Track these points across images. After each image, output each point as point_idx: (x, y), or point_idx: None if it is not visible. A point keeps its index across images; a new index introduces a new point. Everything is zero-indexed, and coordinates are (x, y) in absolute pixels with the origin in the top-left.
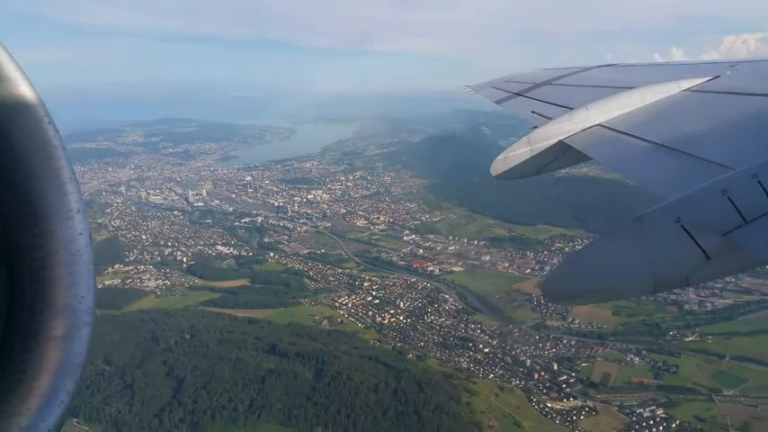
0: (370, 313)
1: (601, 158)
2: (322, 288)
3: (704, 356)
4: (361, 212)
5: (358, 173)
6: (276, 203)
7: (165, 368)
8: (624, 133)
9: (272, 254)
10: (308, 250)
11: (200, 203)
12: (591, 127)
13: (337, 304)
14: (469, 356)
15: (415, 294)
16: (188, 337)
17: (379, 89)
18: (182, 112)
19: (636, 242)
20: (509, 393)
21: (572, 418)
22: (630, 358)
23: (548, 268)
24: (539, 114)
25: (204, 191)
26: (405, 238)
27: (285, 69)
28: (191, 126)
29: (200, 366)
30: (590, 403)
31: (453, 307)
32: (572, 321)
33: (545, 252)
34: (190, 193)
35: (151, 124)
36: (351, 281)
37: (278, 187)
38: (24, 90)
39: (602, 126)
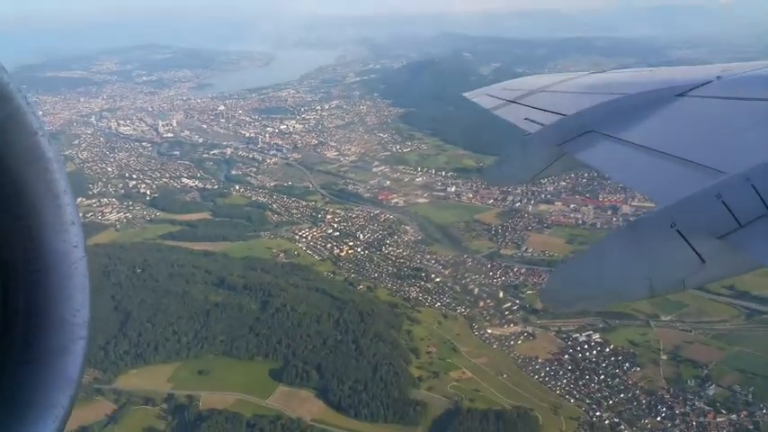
0: (329, 246)
1: (595, 164)
2: (284, 221)
3: None
4: (333, 143)
5: (334, 102)
6: (247, 134)
7: (113, 302)
8: (618, 139)
9: (237, 186)
10: (275, 183)
11: (169, 134)
12: (585, 133)
13: (297, 237)
14: (420, 286)
15: (377, 226)
16: (139, 271)
17: (365, 11)
18: (159, 37)
19: (632, 247)
20: (452, 321)
21: (509, 343)
22: None
23: (510, 198)
24: (533, 121)
25: (175, 121)
26: (374, 169)
27: None
28: (167, 53)
29: (147, 300)
30: (529, 329)
31: (412, 238)
32: (525, 250)
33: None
34: (160, 123)
35: (127, 51)
36: (314, 213)
37: (251, 117)
38: (17, 103)
39: (596, 132)
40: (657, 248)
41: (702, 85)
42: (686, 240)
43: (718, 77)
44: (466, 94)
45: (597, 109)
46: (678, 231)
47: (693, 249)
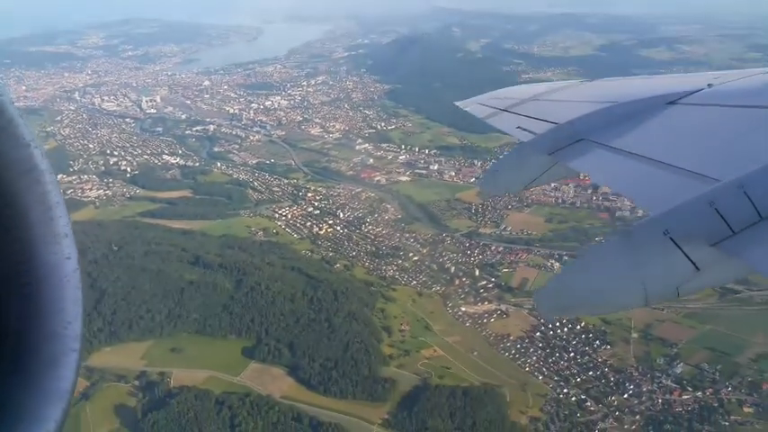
0: (309, 224)
1: (588, 173)
2: (264, 199)
3: None
4: (317, 120)
5: (321, 77)
6: (232, 110)
7: (89, 280)
8: (611, 147)
9: (218, 164)
10: (258, 160)
11: (152, 110)
12: (577, 141)
13: (277, 215)
14: (397, 265)
15: (358, 204)
16: (116, 249)
17: None
18: (146, 9)
19: (625, 255)
20: (427, 299)
21: (482, 321)
22: (551, 263)
23: None
24: (525, 130)
25: (159, 97)
26: (357, 147)
27: None
28: (154, 26)
29: (122, 278)
30: (503, 307)
31: (393, 217)
32: (504, 229)
33: (492, 161)
34: (143, 99)
35: (113, 25)
36: (295, 191)
37: (236, 93)
38: (10, 115)
39: (589, 140)
40: (651, 256)
41: (693, 92)
42: (680, 248)
43: (709, 85)
44: (458, 103)
45: (589, 117)
46: (671, 239)
47: (687, 257)
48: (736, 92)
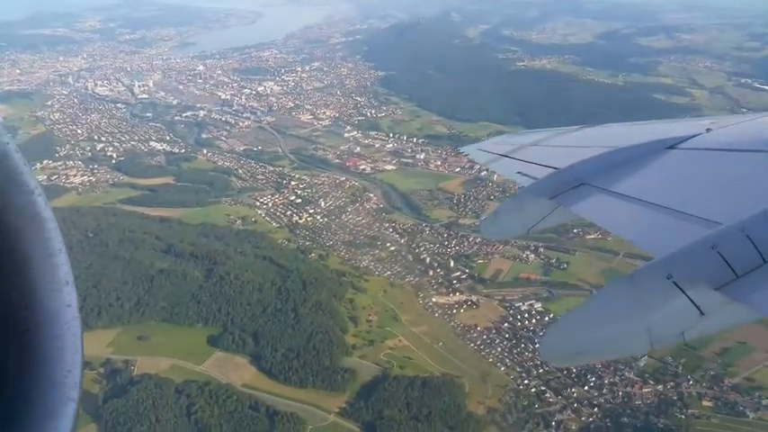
0: (289, 213)
1: (589, 217)
2: (247, 187)
3: (599, 254)
4: (308, 106)
5: (316, 63)
6: (224, 96)
7: None
8: (612, 192)
9: (204, 151)
10: (245, 147)
11: (144, 96)
12: (578, 186)
13: (258, 204)
14: (373, 255)
15: (341, 193)
16: (91, 236)
17: None
18: None
19: (629, 300)
20: (398, 289)
21: (452, 311)
22: (527, 255)
23: (477, 167)
24: (525, 175)
25: (151, 82)
26: (345, 134)
27: None
28: (152, 9)
29: (94, 265)
30: (474, 298)
31: (374, 206)
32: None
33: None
34: (136, 84)
35: (112, 8)
36: (279, 179)
37: (230, 78)
38: (15, 163)
39: (590, 185)
40: (655, 301)
41: (692, 137)
42: (683, 292)
43: (708, 130)
44: (461, 149)
45: (589, 162)
46: (675, 283)
47: (691, 301)
48: (735, 136)
